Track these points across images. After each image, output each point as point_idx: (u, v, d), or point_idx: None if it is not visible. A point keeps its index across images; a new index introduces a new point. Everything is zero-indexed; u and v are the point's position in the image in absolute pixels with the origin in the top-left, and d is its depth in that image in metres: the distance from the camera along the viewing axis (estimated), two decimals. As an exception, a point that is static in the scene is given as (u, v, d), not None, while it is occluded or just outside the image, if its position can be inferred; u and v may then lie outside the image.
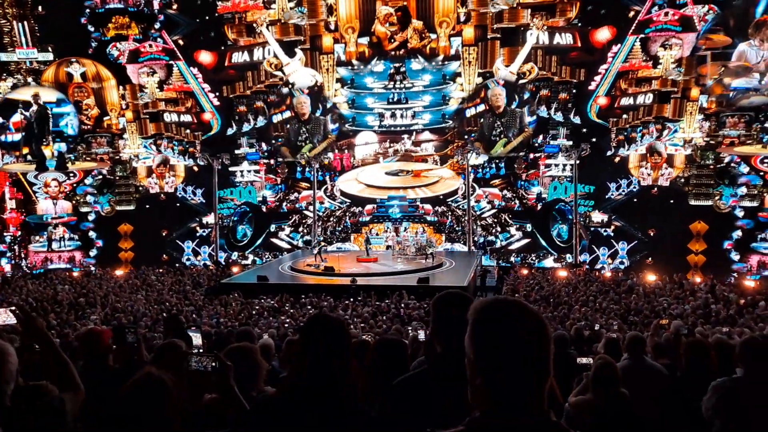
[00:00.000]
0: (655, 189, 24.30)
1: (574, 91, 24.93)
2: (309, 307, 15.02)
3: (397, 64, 26.46)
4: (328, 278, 19.23)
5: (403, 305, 14.72)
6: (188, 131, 26.86)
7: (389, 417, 2.07)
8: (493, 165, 26.43)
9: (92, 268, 24.84)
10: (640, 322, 11.60)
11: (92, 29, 26.80)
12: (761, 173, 22.80)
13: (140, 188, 27.25)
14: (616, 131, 24.29)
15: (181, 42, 26.75)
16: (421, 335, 6.46)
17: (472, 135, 26.35)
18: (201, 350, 3.49)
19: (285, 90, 26.77)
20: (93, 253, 26.73)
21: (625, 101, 23.93)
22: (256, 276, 19.65)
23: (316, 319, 2.13)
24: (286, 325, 11.83)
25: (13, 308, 2.69)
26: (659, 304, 13.97)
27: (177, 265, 25.60)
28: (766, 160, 22.77)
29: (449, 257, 23.68)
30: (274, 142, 27.40)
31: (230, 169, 27.14)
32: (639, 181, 24.56)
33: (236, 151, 27.52)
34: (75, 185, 25.91)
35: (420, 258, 22.04)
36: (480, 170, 26.50)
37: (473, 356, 1.36)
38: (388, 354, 2.95)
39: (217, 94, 26.86)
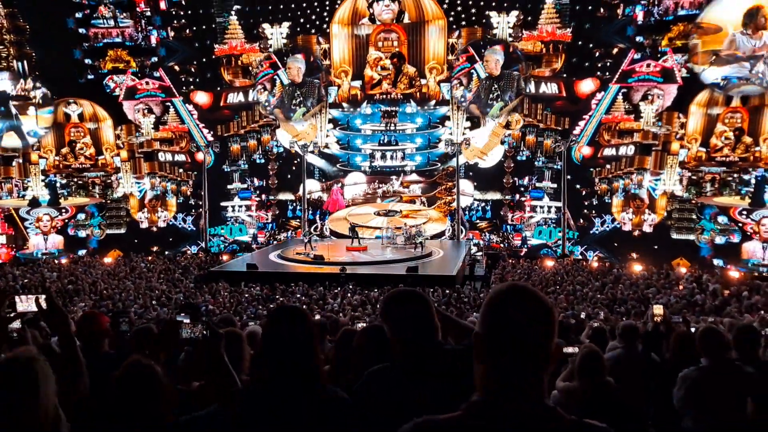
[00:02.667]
0: (638, 232, 24.74)
1: (559, 137, 25.61)
2: (299, 295, 14.90)
3: (387, 108, 27.09)
4: (318, 267, 19.29)
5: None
6: (182, 170, 27.27)
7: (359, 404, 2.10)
8: (480, 208, 26.97)
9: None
10: (627, 312, 11.65)
11: (89, 62, 27.33)
12: (739, 224, 23.40)
13: (129, 220, 27.43)
14: (599, 180, 24.93)
15: (176, 68, 27.22)
16: None
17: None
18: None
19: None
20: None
21: (608, 152, 24.62)
22: (245, 264, 19.70)
23: (277, 309, 2.23)
24: None
25: (43, 296, 2.50)
26: (645, 294, 13.94)
27: (167, 253, 25.71)
28: (744, 212, 23.36)
29: (438, 246, 23.65)
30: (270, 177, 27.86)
31: (221, 204, 27.53)
32: (621, 225, 25.10)
33: (228, 186, 27.96)
34: (67, 221, 26.15)
35: (409, 247, 22.15)
36: (467, 212, 27.01)
37: (483, 337, 1.37)
38: (373, 341, 2.92)
39: (212, 132, 27.35)
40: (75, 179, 26.45)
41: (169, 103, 26.86)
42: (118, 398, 2.03)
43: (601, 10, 25.14)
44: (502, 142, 26.33)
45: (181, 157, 27.12)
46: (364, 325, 5.79)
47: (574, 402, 3.40)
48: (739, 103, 22.22)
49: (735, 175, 22.69)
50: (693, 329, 4.99)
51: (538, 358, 1.33)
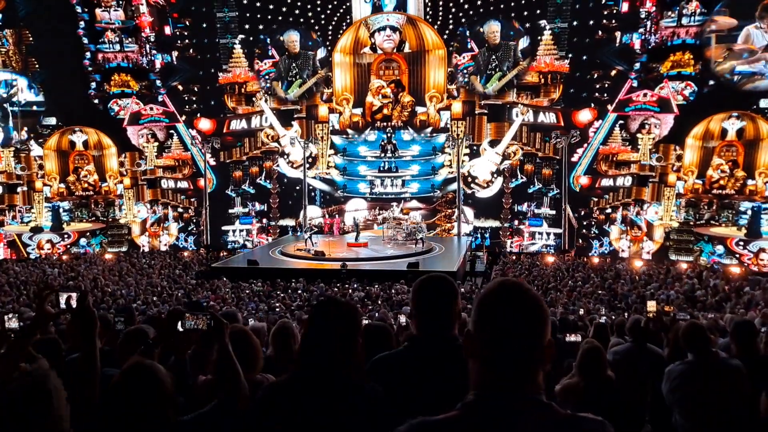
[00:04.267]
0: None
1: (557, 167, 25.89)
2: (300, 291, 14.82)
3: (388, 134, 27.43)
4: (319, 263, 19.25)
5: (394, 290, 14.64)
6: (184, 197, 27.54)
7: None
8: (478, 234, 27.17)
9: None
10: (627, 308, 11.59)
11: (94, 85, 27.70)
12: (736, 255, 23.59)
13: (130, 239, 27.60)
14: (598, 210, 25.19)
15: (179, 87, 27.51)
16: (402, 319, 6.55)
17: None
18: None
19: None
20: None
21: (606, 182, 24.90)
22: (246, 260, 19.65)
23: (323, 302, 2.18)
24: (277, 309, 11.69)
25: (75, 294, 2.38)
26: (646, 290, 13.88)
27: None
28: (741, 242, 23.57)
29: (439, 243, 23.63)
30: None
31: (223, 228, 27.75)
32: (619, 252, 25.29)
33: (230, 210, 28.20)
34: (69, 246, 26.34)
35: (410, 243, 22.14)
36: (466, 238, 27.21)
37: (475, 335, 1.36)
38: (373, 339, 2.94)
39: (215, 158, 27.67)
40: (79, 204, 26.68)
41: (172, 130, 27.19)
42: (120, 399, 2.00)
43: (599, 32, 25.50)
44: (500, 173, 26.60)
45: (183, 184, 27.39)
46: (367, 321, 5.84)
47: (574, 398, 3.38)
48: (735, 137, 22.53)
49: (731, 209, 22.92)
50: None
51: (531, 356, 1.32)
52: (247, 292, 14.85)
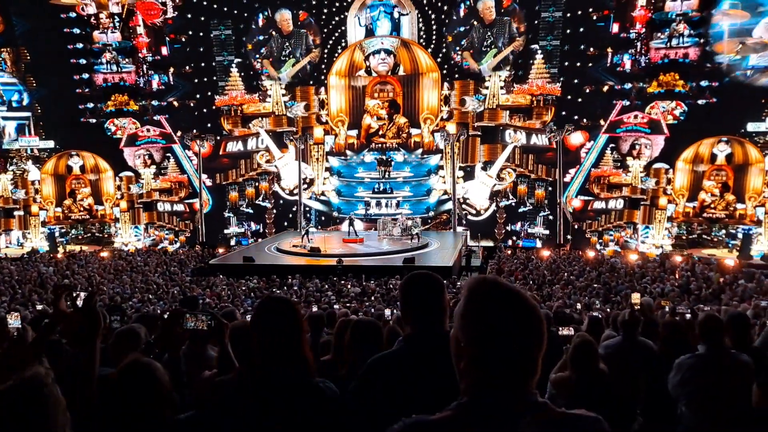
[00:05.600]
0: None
1: (550, 189, 26.16)
2: (295, 288, 14.70)
3: (382, 156, 27.69)
4: (314, 259, 19.25)
5: (390, 285, 14.59)
6: (179, 220, 27.70)
7: (360, 394, 2.06)
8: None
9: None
10: (622, 301, 11.45)
11: (91, 105, 27.93)
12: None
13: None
14: (590, 233, 25.45)
15: (176, 104, 27.71)
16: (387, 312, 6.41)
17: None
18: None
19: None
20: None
21: (598, 205, 25.17)
22: (242, 257, 19.66)
23: (263, 300, 2.15)
24: None
25: (83, 294, 2.37)
26: (640, 284, 13.88)
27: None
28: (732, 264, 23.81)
29: (435, 238, 23.61)
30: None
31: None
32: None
33: (225, 231, 28.34)
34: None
35: (406, 239, 22.18)
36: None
37: (462, 337, 1.32)
38: (363, 336, 2.93)
39: (210, 180, 27.85)
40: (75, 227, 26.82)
41: (169, 153, 27.39)
42: (118, 397, 1.98)
43: (591, 49, 25.85)
44: (494, 197, 26.85)
45: (179, 207, 27.55)
46: (362, 316, 5.75)
47: (567, 392, 3.36)
48: (725, 162, 22.86)
49: (723, 231, 23.22)
50: (688, 317, 5.01)
51: (524, 356, 1.29)
52: (243, 288, 14.70)
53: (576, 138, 25.91)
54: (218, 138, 27.82)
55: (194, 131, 26.49)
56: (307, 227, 22.75)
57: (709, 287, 13.37)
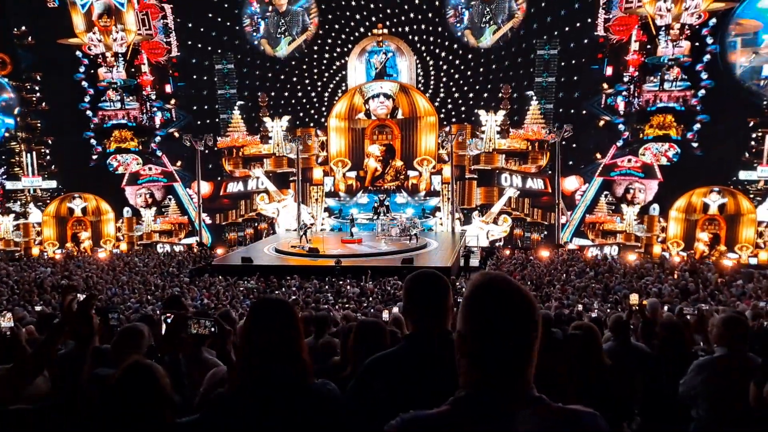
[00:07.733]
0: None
1: (545, 233, 26.47)
2: (294, 288, 14.64)
3: (381, 198, 28.07)
4: (313, 259, 19.19)
5: (389, 286, 14.56)
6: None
7: (357, 394, 2.04)
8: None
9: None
10: (621, 302, 11.58)
11: (95, 142, 28.37)
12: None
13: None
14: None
15: (176, 134, 28.12)
16: (385, 315, 6.44)
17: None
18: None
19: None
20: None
21: (593, 252, 25.44)
22: (240, 258, 19.56)
23: (257, 302, 2.13)
24: None
25: (82, 297, 2.39)
26: (639, 284, 13.94)
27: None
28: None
29: (433, 239, 23.47)
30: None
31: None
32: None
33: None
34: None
35: (404, 239, 22.16)
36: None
37: (464, 332, 1.34)
38: (366, 336, 2.92)
39: (210, 219, 28.21)
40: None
41: (170, 194, 27.79)
42: (118, 399, 1.96)
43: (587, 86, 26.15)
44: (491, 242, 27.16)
45: (179, 248, 27.84)
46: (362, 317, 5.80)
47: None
48: (717, 212, 23.17)
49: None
50: (687, 317, 5.00)
51: (520, 351, 1.31)
52: (242, 289, 14.73)
53: (571, 183, 26.30)
54: (219, 179, 28.22)
55: (201, 136, 26.58)
56: (306, 227, 22.63)
57: (707, 287, 13.44)
